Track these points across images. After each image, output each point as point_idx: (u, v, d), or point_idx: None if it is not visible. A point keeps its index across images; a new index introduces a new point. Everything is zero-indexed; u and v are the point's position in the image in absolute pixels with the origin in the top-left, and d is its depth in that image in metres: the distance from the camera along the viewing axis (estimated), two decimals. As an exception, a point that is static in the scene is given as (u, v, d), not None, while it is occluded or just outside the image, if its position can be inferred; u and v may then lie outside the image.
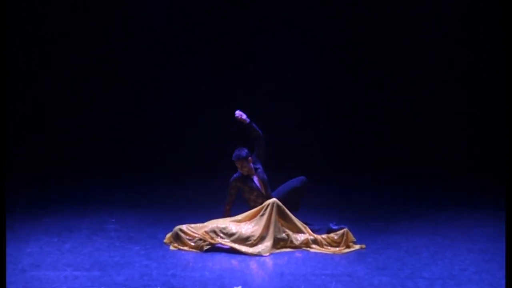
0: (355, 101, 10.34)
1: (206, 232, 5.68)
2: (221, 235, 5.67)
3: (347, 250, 5.60)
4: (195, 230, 5.73)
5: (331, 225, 5.96)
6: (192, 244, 5.64)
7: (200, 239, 5.64)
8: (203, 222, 5.90)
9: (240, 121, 6.17)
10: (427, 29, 9.97)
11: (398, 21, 9.97)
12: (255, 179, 6.09)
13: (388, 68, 10.20)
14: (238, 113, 6.15)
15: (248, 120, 6.15)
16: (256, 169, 6.14)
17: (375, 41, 10.12)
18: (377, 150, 10.22)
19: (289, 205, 5.91)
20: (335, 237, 5.70)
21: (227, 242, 5.61)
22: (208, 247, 5.59)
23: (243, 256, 5.44)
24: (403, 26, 9.98)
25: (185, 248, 5.64)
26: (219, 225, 5.73)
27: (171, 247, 5.69)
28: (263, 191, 6.08)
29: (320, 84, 10.34)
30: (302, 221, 5.87)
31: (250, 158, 6.02)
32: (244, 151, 6.00)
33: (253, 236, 5.60)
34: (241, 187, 6.11)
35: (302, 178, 6.18)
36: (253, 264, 5.29)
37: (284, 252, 5.58)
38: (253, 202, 6.09)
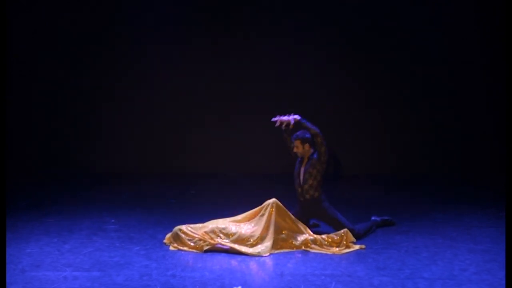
0: (355, 103, 10.31)
1: (205, 232, 5.68)
2: (221, 235, 5.66)
3: (347, 250, 5.59)
4: (195, 230, 5.73)
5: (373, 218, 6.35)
6: (192, 244, 5.63)
7: (200, 240, 5.63)
8: (203, 222, 5.91)
9: (285, 127, 6.02)
10: (433, 28, 9.96)
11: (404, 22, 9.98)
12: (302, 167, 6.03)
13: (386, 67, 10.17)
14: (277, 120, 6.01)
15: (293, 121, 5.98)
16: (309, 159, 6.01)
17: (375, 41, 10.12)
18: (376, 151, 10.21)
19: (312, 220, 6.16)
20: (335, 237, 5.69)
21: (227, 243, 5.60)
22: (207, 247, 5.58)
23: (243, 257, 5.44)
24: (409, 27, 9.99)
25: (185, 248, 5.63)
26: (218, 226, 5.73)
27: (171, 248, 5.69)
28: (300, 181, 6.02)
29: (320, 84, 10.32)
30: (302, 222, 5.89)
31: (307, 144, 5.98)
32: (305, 134, 5.98)
33: (253, 236, 5.60)
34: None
35: (352, 227, 5.92)
36: (253, 264, 5.28)
37: (284, 252, 5.57)
38: (294, 182, 6.12)
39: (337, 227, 5.88)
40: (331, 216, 5.98)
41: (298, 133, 6.04)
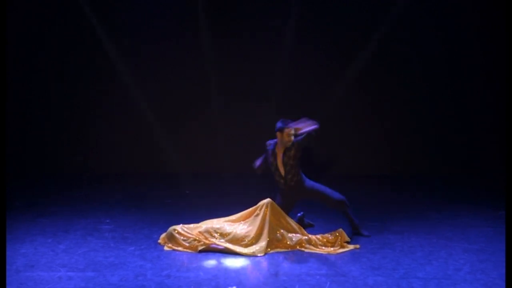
0: (354, 103, 10.30)
1: (200, 232, 5.68)
2: (216, 235, 5.66)
3: (342, 250, 5.59)
4: (190, 230, 5.72)
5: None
6: (187, 244, 5.63)
7: (195, 240, 5.63)
8: (197, 222, 5.91)
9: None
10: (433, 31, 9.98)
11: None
12: (277, 159, 5.88)
13: (386, 67, 10.18)
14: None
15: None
16: (284, 151, 5.88)
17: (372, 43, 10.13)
18: (375, 151, 10.21)
19: (291, 204, 5.99)
20: (330, 237, 5.70)
21: (221, 243, 5.60)
22: (202, 247, 5.57)
23: (237, 257, 5.43)
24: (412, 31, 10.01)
25: (180, 248, 5.63)
26: (213, 226, 5.73)
27: (166, 248, 5.68)
28: (282, 173, 5.88)
29: (319, 84, 10.31)
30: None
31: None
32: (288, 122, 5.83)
33: (247, 236, 5.60)
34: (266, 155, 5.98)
35: (343, 199, 5.94)
36: (247, 264, 5.28)
37: (279, 252, 5.57)
38: (274, 174, 5.97)
39: (327, 200, 5.90)
40: (318, 192, 5.95)
41: (291, 123, 5.84)
